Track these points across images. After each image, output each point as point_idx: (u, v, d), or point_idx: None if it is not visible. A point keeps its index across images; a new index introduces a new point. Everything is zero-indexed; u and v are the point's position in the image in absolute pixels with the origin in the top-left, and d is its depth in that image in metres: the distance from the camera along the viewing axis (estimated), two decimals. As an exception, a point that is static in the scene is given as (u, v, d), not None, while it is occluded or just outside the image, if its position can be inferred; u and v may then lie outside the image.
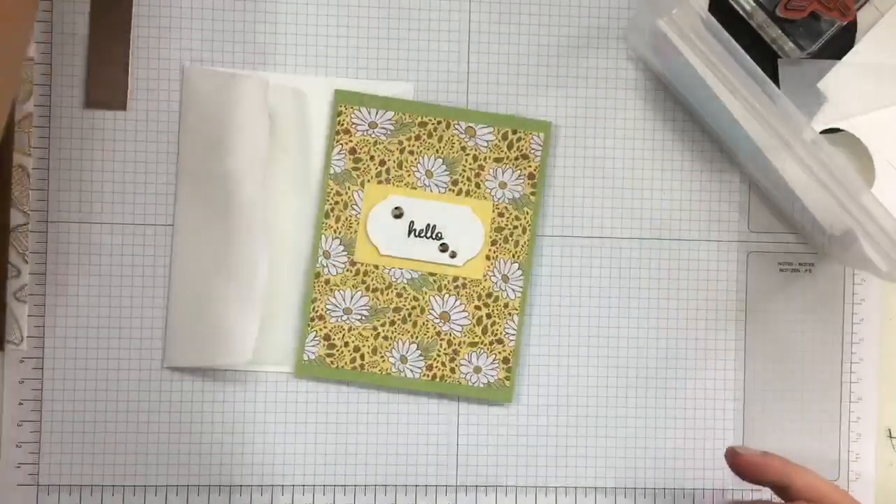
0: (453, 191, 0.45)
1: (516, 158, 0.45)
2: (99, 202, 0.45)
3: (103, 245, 0.45)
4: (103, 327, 0.45)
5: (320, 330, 0.45)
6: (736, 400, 0.47)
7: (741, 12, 0.42)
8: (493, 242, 0.45)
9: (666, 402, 0.47)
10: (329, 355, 0.45)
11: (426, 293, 0.45)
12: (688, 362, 0.47)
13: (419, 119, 0.45)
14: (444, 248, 0.45)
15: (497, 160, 0.45)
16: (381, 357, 0.45)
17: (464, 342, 0.45)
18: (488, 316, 0.45)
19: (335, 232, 0.45)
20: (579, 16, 0.47)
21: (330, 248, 0.45)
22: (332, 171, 0.45)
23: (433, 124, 0.45)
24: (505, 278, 0.45)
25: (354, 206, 0.45)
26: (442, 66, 0.46)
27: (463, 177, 0.45)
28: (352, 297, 0.45)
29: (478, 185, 0.45)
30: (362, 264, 0.45)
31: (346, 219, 0.45)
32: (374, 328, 0.45)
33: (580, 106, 0.47)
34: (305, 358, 0.45)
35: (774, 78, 0.43)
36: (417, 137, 0.45)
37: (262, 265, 0.44)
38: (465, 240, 0.45)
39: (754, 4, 0.42)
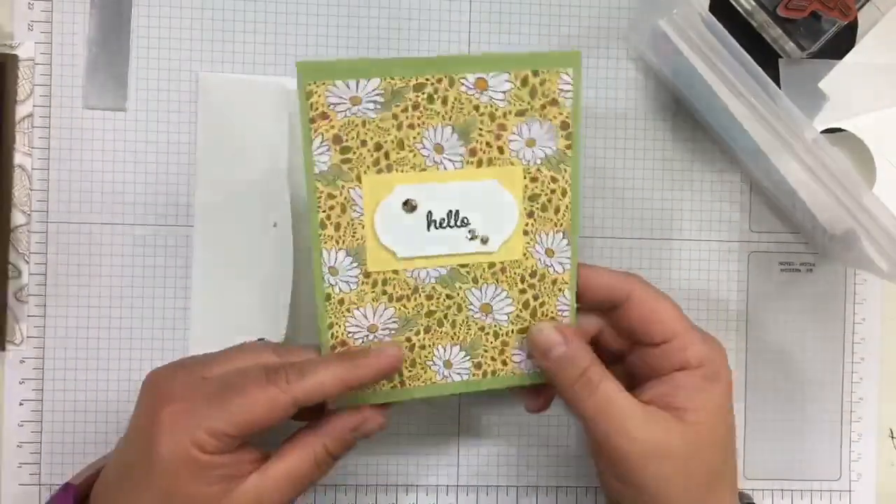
0: (472, 163, 0.37)
1: (543, 107, 0.37)
2: (99, 202, 0.45)
3: (103, 245, 0.45)
4: (103, 328, 0.45)
5: None
6: (737, 399, 0.47)
7: (742, 12, 0.42)
8: (530, 214, 0.38)
9: (667, 402, 0.47)
10: None
11: (460, 288, 0.38)
12: (688, 362, 0.47)
13: (414, 81, 0.36)
14: (472, 234, 0.38)
15: (520, 114, 0.37)
16: (423, 368, 0.39)
17: (511, 331, 0.39)
18: (535, 297, 0.39)
19: (338, 243, 0.37)
20: (579, 16, 0.46)
21: (336, 264, 0.37)
22: (316, 171, 0.36)
23: (433, 84, 0.36)
24: (549, 252, 0.38)
25: (354, 208, 0.37)
26: (442, 66, 0.46)
27: (481, 143, 0.37)
28: (374, 313, 0.38)
29: (501, 150, 0.37)
30: (379, 273, 0.38)
31: (348, 224, 0.37)
32: (408, 339, 0.39)
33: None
34: None
35: (775, 78, 0.43)
36: (416, 106, 0.36)
37: (286, 276, 0.43)
38: (497, 219, 0.38)
39: (755, 4, 0.42)
